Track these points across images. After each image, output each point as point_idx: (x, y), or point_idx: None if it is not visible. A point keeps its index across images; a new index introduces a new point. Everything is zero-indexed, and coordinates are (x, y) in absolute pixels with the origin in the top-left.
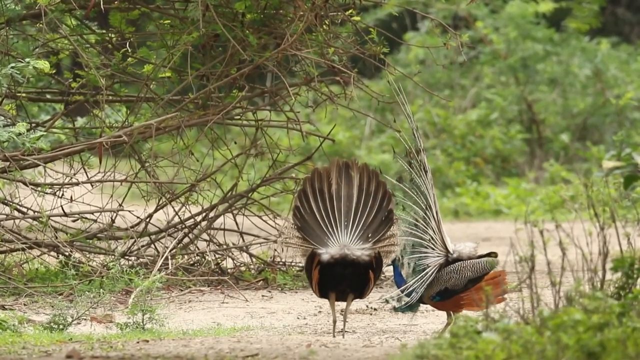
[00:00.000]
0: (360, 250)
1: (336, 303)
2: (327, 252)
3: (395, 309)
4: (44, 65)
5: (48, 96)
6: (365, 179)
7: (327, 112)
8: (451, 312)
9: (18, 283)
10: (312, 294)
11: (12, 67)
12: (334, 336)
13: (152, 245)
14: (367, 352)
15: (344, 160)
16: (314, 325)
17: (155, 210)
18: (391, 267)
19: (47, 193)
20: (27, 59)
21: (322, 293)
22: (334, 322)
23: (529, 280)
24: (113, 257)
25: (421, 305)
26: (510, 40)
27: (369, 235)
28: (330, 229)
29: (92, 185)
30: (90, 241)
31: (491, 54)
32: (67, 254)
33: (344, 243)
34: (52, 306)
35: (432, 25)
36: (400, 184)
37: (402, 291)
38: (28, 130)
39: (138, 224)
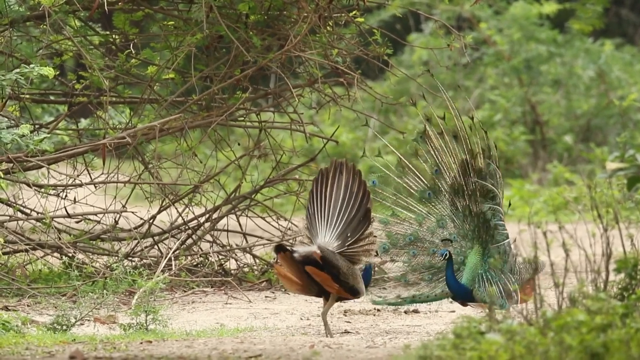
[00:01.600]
0: (320, 248)
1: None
2: (297, 251)
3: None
4: (49, 72)
5: (52, 97)
6: (351, 179)
7: (331, 114)
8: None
9: (21, 284)
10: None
11: (17, 73)
12: (329, 336)
13: (156, 247)
14: (371, 352)
15: (339, 160)
16: (317, 326)
17: (159, 212)
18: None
19: (50, 194)
20: (32, 64)
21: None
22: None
23: (532, 281)
24: (116, 258)
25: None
26: (513, 42)
27: (349, 235)
28: (319, 228)
29: (95, 187)
30: (94, 242)
31: (495, 55)
32: (70, 255)
33: (322, 241)
34: (56, 307)
35: (436, 26)
36: (489, 184)
37: (502, 305)
38: (31, 132)
39: (141, 225)
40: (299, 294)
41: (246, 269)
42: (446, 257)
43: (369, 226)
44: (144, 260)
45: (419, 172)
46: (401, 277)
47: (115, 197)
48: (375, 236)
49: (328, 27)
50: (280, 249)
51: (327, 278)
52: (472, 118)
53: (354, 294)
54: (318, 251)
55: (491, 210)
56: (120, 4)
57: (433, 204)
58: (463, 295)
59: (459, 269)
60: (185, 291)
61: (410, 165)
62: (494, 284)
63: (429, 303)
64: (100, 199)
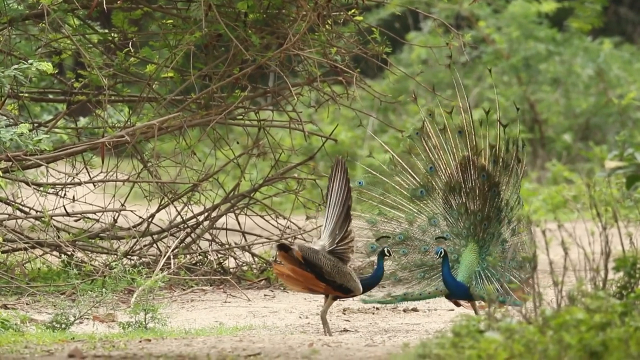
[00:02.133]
0: (300, 248)
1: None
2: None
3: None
4: (47, 67)
5: (50, 96)
6: (343, 175)
7: (330, 112)
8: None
9: (20, 282)
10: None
11: (15, 69)
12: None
13: (155, 245)
14: (370, 351)
15: (340, 157)
16: (316, 325)
17: (158, 210)
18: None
19: (49, 193)
20: (30, 60)
21: None
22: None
23: (531, 280)
24: (115, 256)
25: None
26: (512, 40)
27: (337, 232)
28: (323, 226)
29: (94, 185)
30: (93, 241)
31: (494, 53)
32: (69, 253)
33: (321, 239)
34: (55, 305)
35: (435, 25)
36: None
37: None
38: (30, 131)
39: (140, 223)
40: (302, 292)
41: (245, 268)
42: (441, 255)
43: (350, 223)
44: (143, 259)
45: (413, 170)
46: (390, 275)
47: (114, 196)
48: (353, 232)
49: (327, 26)
50: (281, 248)
51: (310, 277)
52: (487, 112)
53: (346, 292)
54: (298, 250)
55: (519, 202)
56: (119, 2)
57: (425, 202)
58: (460, 293)
59: (453, 267)
60: (184, 290)
61: (403, 164)
62: (494, 281)
63: (425, 301)
64: (99, 198)
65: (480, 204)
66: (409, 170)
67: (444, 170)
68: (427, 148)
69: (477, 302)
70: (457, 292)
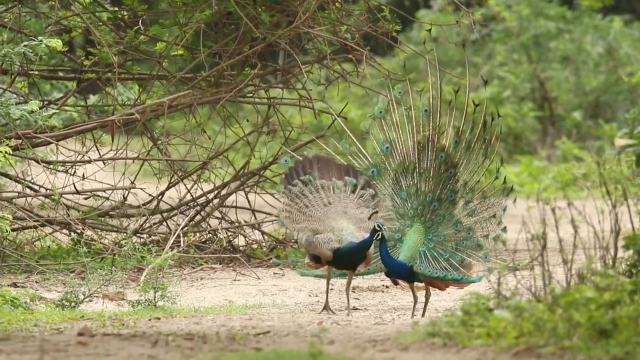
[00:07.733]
0: None
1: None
2: None
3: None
4: (57, 43)
5: (60, 74)
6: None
7: (340, 90)
8: (429, 289)
9: (30, 261)
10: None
11: (25, 46)
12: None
13: (164, 223)
14: (379, 329)
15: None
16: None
17: (168, 188)
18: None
19: (59, 171)
20: (39, 37)
21: None
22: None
23: (540, 258)
24: (125, 234)
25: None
26: (522, 18)
27: None
28: None
29: (104, 163)
30: (102, 219)
31: (504, 31)
32: (79, 231)
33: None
34: (64, 284)
35: (445, 2)
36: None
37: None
38: (40, 108)
39: (150, 201)
40: None
41: (255, 246)
42: (378, 238)
43: None
44: (153, 237)
45: (365, 150)
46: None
47: (124, 174)
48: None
49: (337, 4)
50: None
51: None
52: (456, 91)
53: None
54: None
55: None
56: None
57: (375, 182)
58: (400, 272)
59: (395, 246)
60: (193, 268)
61: (357, 144)
62: (441, 260)
63: (362, 277)
64: (109, 176)
65: (433, 185)
66: (363, 151)
67: (399, 150)
68: (385, 127)
69: (415, 284)
70: (396, 271)
